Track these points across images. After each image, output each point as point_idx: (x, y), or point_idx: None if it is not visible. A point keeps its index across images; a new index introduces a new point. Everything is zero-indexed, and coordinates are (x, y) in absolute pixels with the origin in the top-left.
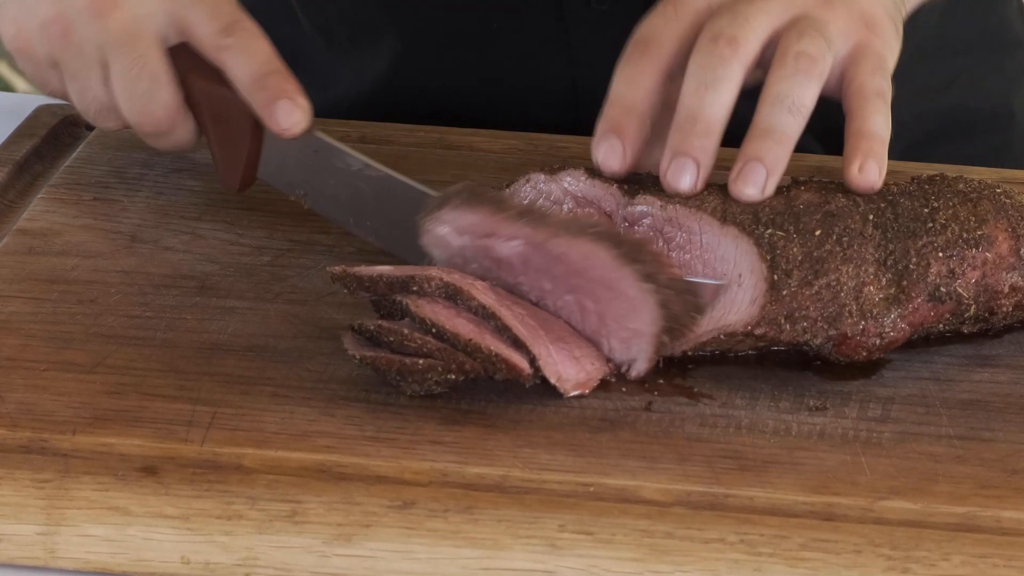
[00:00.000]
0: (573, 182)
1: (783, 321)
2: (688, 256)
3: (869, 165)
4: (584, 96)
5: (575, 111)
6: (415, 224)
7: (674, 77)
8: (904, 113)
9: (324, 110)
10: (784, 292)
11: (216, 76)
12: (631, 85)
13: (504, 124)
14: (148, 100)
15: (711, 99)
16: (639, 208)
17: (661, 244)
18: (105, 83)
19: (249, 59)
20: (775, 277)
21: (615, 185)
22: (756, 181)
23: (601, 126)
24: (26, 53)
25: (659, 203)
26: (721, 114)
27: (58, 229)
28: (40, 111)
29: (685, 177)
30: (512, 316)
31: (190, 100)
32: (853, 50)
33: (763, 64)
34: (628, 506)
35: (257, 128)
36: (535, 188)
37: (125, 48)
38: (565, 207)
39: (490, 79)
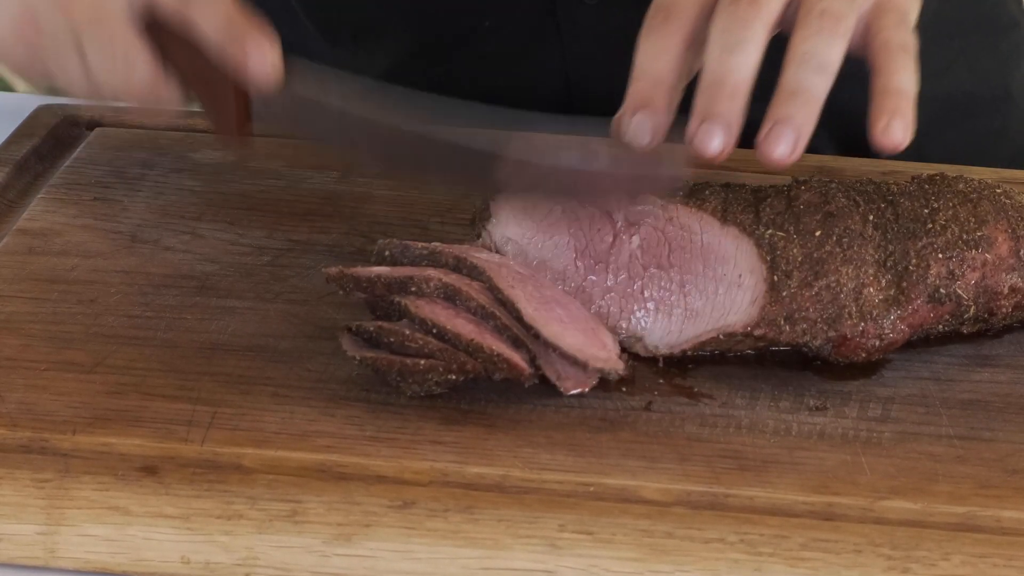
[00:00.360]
0: None
1: (782, 322)
2: (689, 256)
3: (895, 124)
4: (576, 89)
5: (568, 105)
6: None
7: (696, 42)
8: None
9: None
10: (784, 293)
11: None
12: (655, 58)
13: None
14: (126, 76)
15: (736, 62)
16: (640, 208)
17: (663, 244)
18: (83, 66)
19: (213, 11)
20: (775, 278)
21: None
22: (786, 141)
23: (630, 100)
24: (9, 56)
25: (660, 203)
26: (747, 75)
27: (58, 229)
28: (40, 111)
29: (715, 140)
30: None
31: (171, 66)
32: (876, 4)
33: (785, 24)
34: (628, 506)
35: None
36: None
37: (94, 30)
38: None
39: (483, 75)
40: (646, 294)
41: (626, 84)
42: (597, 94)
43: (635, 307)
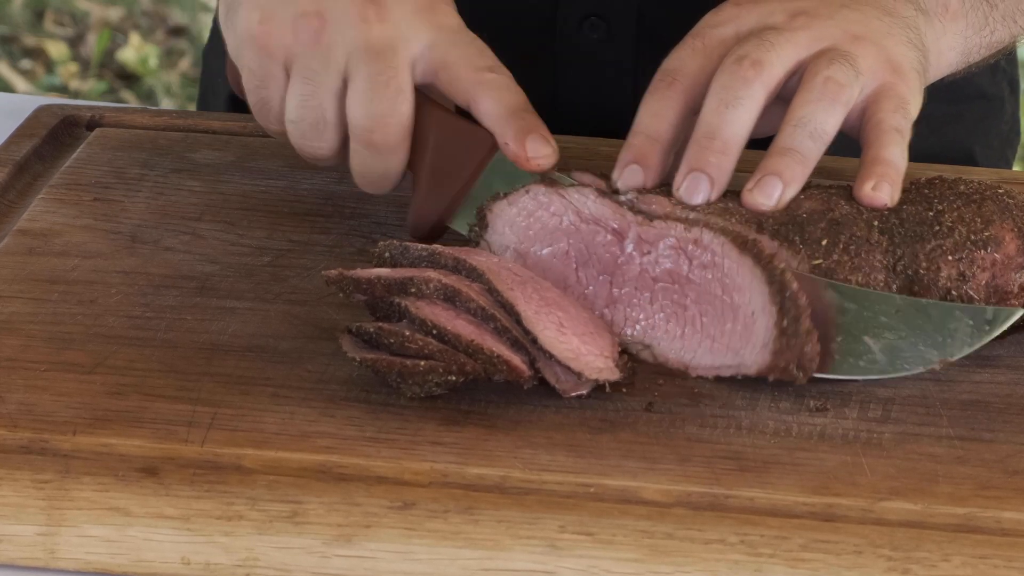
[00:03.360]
0: (580, 199)
1: (795, 370)
2: (708, 276)
3: (883, 185)
4: (564, 111)
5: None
6: None
7: (698, 108)
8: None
9: None
10: (794, 340)
11: (451, 110)
12: (655, 117)
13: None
14: (389, 111)
15: (731, 118)
16: (654, 227)
17: (684, 263)
18: (338, 93)
19: (508, 95)
20: (784, 323)
21: (625, 207)
22: (771, 193)
23: (624, 154)
24: (263, 43)
25: (682, 226)
26: (740, 133)
27: (58, 229)
28: (40, 111)
29: (699, 194)
30: (523, 299)
31: (413, 131)
32: (877, 89)
33: (785, 97)
34: (628, 507)
35: (478, 168)
36: (535, 199)
37: (379, 58)
38: (564, 220)
39: None
40: (655, 305)
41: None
42: (583, 119)
43: (641, 316)
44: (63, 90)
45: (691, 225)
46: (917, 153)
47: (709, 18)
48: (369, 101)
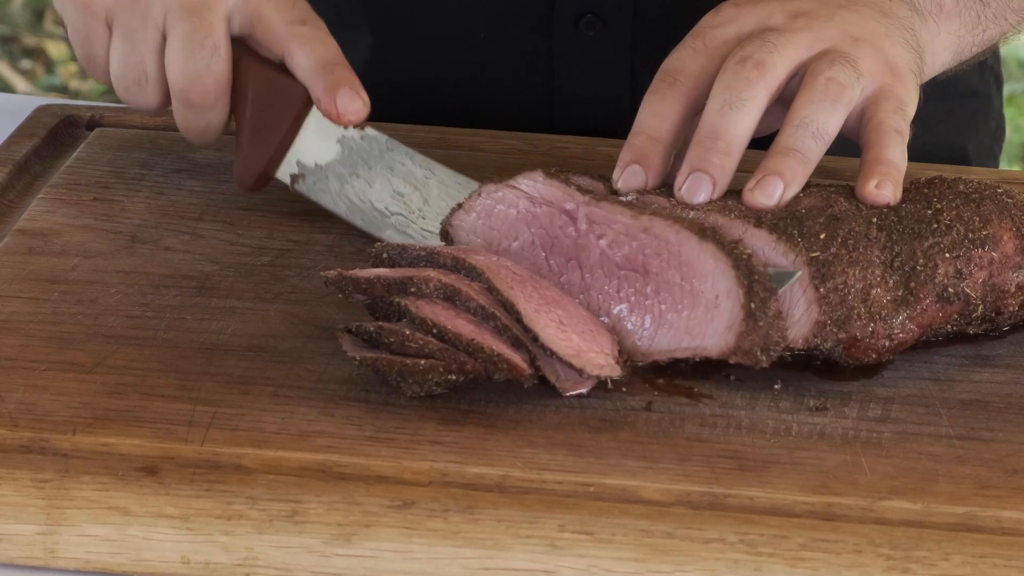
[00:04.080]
0: (530, 184)
1: (759, 352)
2: (664, 264)
3: (886, 183)
4: (560, 114)
5: (548, 125)
6: None
7: (699, 109)
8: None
9: None
10: (761, 323)
11: (270, 64)
12: (657, 117)
13: (477, 122)
14: (204, 69)
15: (734, 119)
16: (601, 209)
17: (636, 248)
18: (157, 50)
19: (320, 48)
20: (752, 305)
21: (574, 187)
22: (772, 193)
23: (625, 154)
24: (84, 3)
25: (629, 212)
26: (742, 135)
27: (58, 229)
28: (40, 111)
29: (700, 194)
30: (523, 298)
31: (234, 84)
32: (876, 91)
33: (785, 99)
34: (628, 506)
35: (296, 121)
36: (489, 197)
37: (194, 15)
38: (520, 208)
39: (470, 83)
40: (621, 293)
41: (609, 114)
42: (579, 117)
43: (611, 306)
44: (63, 90)
45: (639, 213)
46: (914, 152)
47: (709, 18)
48: (185, 60)
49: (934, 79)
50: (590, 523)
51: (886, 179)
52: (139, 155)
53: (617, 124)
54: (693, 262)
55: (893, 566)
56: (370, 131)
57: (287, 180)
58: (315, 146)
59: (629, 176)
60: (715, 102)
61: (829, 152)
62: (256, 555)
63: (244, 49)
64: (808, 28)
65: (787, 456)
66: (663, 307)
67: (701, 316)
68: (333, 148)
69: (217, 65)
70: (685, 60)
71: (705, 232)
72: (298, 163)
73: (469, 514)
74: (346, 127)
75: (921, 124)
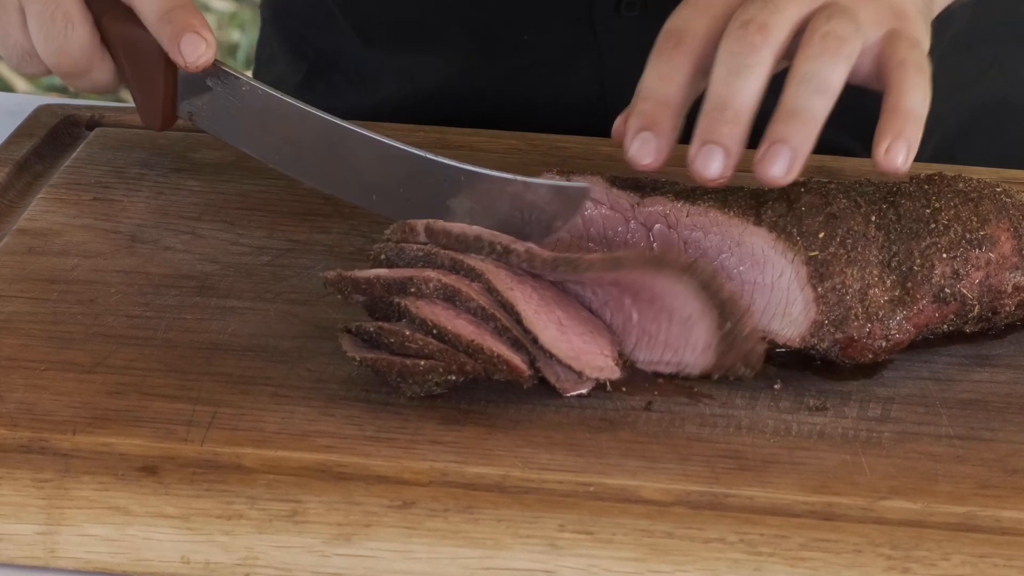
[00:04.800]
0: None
1: (742, 368)
2: (638, 288)
3: (897, 146)
4: (612, 102)
5: (604, 117)
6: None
7: (705, 69)
8: (939, 106)
9: (369, 112)
10: (736, 342)
11: (130, 17)
12: (663, 79)
13: (529, 124)
14: (63, 41)
15: (741, 86)
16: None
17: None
18: (23, 27)
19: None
20: (727, 326)
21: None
22: (782, 161)
23: (633, 121)
24: None
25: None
26: (751, 101)
27: (58, 229)
28: (40, 111)
29: (713, 164)
30: (523, 299)
31: (106, 41)
32: (886, 35)
33: (790, 55)
34: (628, 506)
35: (170, 65)
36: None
37: None
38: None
39: (519, 85)
40: (609, 306)
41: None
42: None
43: (602, 314)
44: (63, 90)
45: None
46: (988, 102)
47: None
48: (43, 36)
49: (1009, 19)
50: (590, 523)
51: (899, 139)
52: (139, 155)
53: None
54: (662, 287)
55: (893, 566)
56: (228, 71)
57: (185, 116)
58: (196, 84)
59: (641, 144)
60: (720, 71)
61: (829, 152)
62: (256, 555)
63: (106, 6)
64: None
65: (787, 456)
66: (643, 322)
67: (678, 334)
68: (211, 85)
69: (75, 34)
70: (688, 18)
71: (662, 263)
72: (189, 101)
73: (469, 514)
74: (199, 72)
75: (998, 68)
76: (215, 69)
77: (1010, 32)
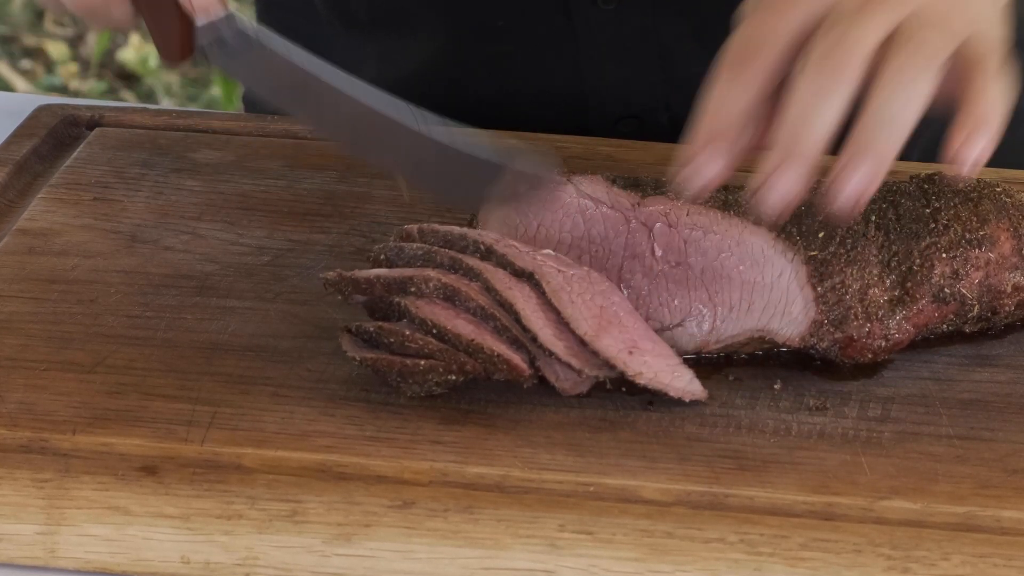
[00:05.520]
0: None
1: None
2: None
3: (973, 141)
4: (591, 92)
5: (584, 112)
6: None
7: (776, 85)
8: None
9: None
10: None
11: None
12: (729, 100)
13: (512, 125)
14: None
15: (817, 123)
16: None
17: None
18: None
19: None
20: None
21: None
22: (857, 181)
23: (697, 138)
24: None
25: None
26: (826, 135)
27: (58, 229)
28: (40, 111)
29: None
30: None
31: None
32: (966, 40)
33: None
34: (628, 506)
35: (180, 5)
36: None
37: None
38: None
39: (497, 75)
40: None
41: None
42: (612, 97)
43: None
44: (63, 90)
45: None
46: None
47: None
48: None
49: None
50: (590, 523)
51: (974, 135)
52: (139, 155)
53: (650, 99)
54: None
55: (893, 566)
56: (238, 20)
57: (203, 52)
58: (209, 27)
59: (702, 167)
60: (795, 106)
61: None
62: (256, 555)
63: None
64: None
65: (787, 456)
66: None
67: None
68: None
69: None
70: (763, 28)
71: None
72: (204, 37)
73: (469, 514)
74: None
75: None
76: (227, 17)
77: None
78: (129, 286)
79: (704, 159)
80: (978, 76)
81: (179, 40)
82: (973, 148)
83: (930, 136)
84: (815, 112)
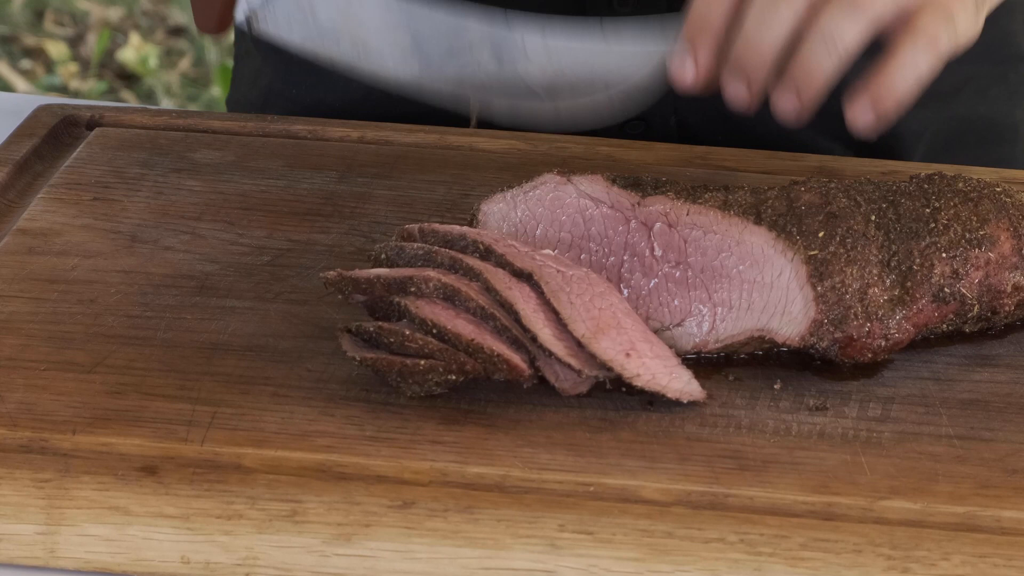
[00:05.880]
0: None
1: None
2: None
3: (865, 111)
4: None
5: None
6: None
7: None
8: (916, 122)
9: (349, 107)
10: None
11: None
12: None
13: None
14: None
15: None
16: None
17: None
18: None
19: None
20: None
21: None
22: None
23: (685, 31)
24: None
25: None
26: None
27: (58, 229)
28: (40, 111)
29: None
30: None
31: None
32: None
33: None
34: (628, 506)
35: None
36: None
37: None
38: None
39: None
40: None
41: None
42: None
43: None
44: (63, 90)
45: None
46: (969, 117)
47: None
48: None
49: (984, 39)
50: (590, 523)
51: (871, 105)
52: (139, 155)
53: (659, 102)
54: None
55: (893, 566)
56: None
57: (244, 25)
58: None
59: (679, 66)
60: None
61: (829, 152)
62: (256, 555)
63: None
64: None
65: (787, 456)
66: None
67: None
68: None
69: None
70: None
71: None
72: (247, 3)
73: (469, 514)
74: None
75: (975, 88)
76: None
77: (984, 54)
78: (129, 286)
79: (693, 51)
80: (907, 41)
81: (222, 4)
82: (867, 116)
83: (930, 136)
84: (764, 25)
